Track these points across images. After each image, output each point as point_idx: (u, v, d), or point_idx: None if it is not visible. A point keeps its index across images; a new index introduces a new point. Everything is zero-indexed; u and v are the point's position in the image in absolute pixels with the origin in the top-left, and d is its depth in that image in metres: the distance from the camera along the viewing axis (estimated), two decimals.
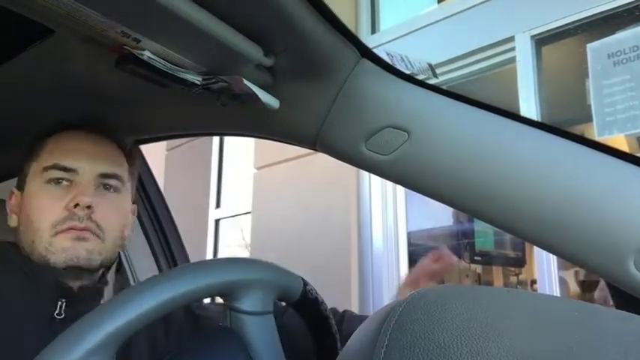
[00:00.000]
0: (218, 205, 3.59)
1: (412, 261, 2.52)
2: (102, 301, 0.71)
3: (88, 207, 0.69)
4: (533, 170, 0.55)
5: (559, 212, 0.53)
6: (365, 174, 2.46)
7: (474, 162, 0.57)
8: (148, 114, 0.86)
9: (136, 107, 0.84)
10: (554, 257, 1.87)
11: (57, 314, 0.66)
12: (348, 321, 0.81)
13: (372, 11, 2.67)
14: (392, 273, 2.44)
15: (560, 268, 1.97)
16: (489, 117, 0.59)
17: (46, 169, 0.72)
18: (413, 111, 0.61)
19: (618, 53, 1.74)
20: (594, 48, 1.79)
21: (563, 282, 2.01)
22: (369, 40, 2.51)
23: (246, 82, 0.61)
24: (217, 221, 3.56)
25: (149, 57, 0.57)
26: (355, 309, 2.41)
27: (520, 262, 3.13)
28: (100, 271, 0.73)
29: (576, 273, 2.52)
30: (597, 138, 1.75)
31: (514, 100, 2.03)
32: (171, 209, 1.29)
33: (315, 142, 0.70)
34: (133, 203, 0.81)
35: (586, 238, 0.52)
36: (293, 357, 0.51)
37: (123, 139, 0.80)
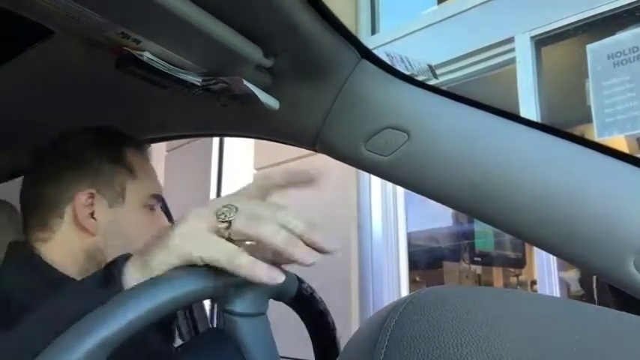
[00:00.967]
0: None
1: (412, 261, 2.52)
2: None
3: None
4: (533, 171, 0.55)
5: (559, 213, 0.53)
6: (365, 174, 2.46)
7: (473, 163, 0.57)
8: (147, 115, 0.86)
9: (136, 108, 0.84)
10: (554, 258, 1.87)
11: None
12: None
13: (372, 12, 2.67)
14: (392, 273, 2.44)
15: (560, 268, 1.97)
16: (489, 118, 0.59)
17: (152, 197, 0.74)
18: (413, 112, 0.61)
19: (618, 54, 1.74)
20: (594, 49, 1.80)
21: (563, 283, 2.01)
22: (369, 41, 2.51)
23: (246, 82, 0.61)
24: None
25: (149, 58, 0.56)
26: (355, 309, 2.41)
27: (520, 262, 3.13)
28: None
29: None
30: (597, 139, 1.76)
31: (514, 101, 2.03)
32: (171, 210, 1.29)
33: (314, 143, 0.70)
34: None
35: (586, 239, 0.52)
36: None
37: None
